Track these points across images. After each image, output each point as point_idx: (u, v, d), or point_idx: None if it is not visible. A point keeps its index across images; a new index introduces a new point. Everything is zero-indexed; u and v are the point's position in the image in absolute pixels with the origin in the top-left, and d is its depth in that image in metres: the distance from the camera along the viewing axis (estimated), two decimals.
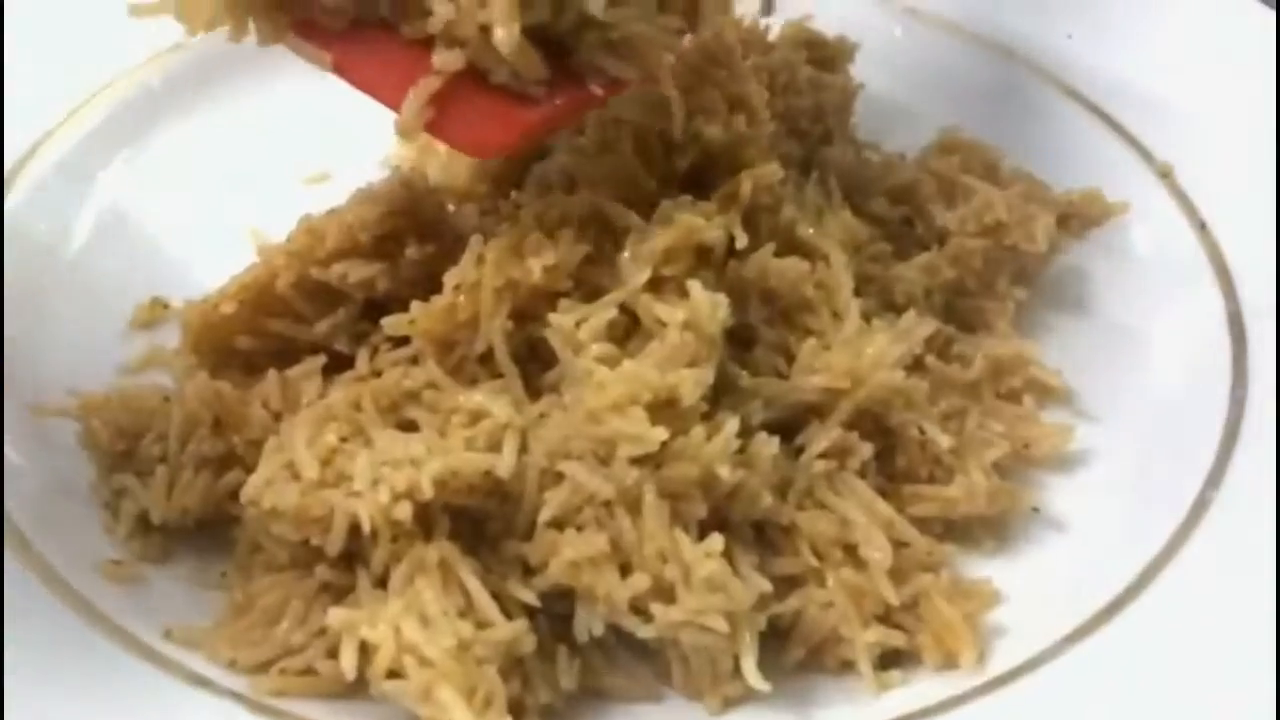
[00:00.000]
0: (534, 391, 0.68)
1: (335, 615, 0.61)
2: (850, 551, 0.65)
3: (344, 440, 0.64)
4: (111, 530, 0.69)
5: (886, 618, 0.65)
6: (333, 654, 0.62)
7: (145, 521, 0.69)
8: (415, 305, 0.70)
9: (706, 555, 0.61)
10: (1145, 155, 0.87)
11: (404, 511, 0.61)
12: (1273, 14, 0.92)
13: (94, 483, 0.71)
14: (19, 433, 0.73)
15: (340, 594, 0.64)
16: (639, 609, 0.61)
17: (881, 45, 0.90)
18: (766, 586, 0.63)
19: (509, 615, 0.62)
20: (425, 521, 0.62)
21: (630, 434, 0.62)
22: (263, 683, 0.63)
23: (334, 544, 0.63)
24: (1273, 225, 0.80)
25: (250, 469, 0.68)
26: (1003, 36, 0.96)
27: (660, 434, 0.62)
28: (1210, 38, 0.92)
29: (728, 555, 0.63)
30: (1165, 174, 0.86)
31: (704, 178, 0.72)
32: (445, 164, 0.85)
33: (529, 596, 0.62)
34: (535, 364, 0.69)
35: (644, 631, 0.61)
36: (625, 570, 0.62)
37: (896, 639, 0.64)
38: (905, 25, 0.97)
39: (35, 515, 0.69)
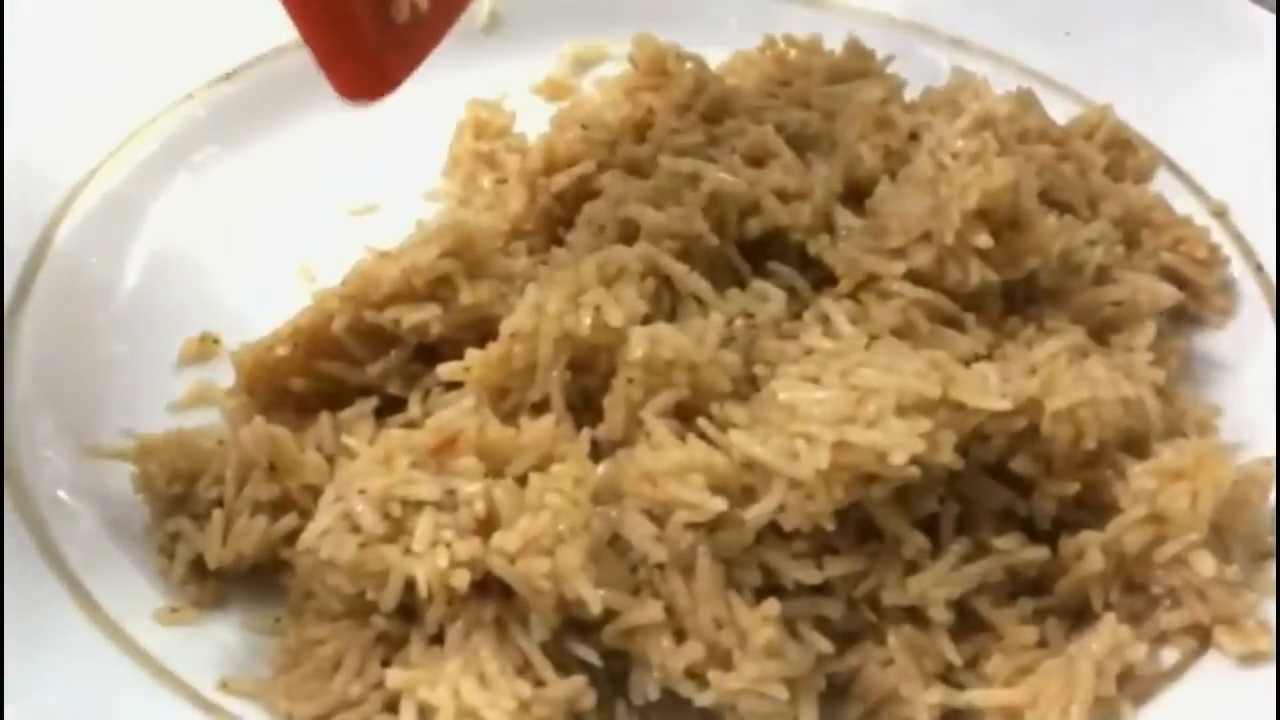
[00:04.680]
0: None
1: (394, 676, 0.61)
2: (911, 608, 0.65)
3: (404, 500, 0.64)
4: (166, 574, 0.70)
5: (947, 676, 0.65)
6: (390, 707, 0.63)
7: (200, 566, 0.69)
8: (470, 352, 0.70)
9: (763, 621, 0.61)
10: (1200, 194, 0.86)
11: (461, 580, 0.61)
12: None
13: (148, 526, 0.71)
14: (73, 474, 0.73)
15: (396, 645, 0.65)
16: (695, 675, 0.61)
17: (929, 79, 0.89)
18: (827, 648, 0.63)
19: (567, 670, 0.62)
20: (480, 581, 0.62)
21: (688, 501, 0.62)
22: None
23: (388, 600, 0.63)
24: None
25: (304, 513, 0.68)
26: (1048, 67, 0.95)
27: (719, 504, 0.62)
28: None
29: (785, 615, 0.62)
30: (1220, 213, 0.85)
31: (768, 248, 0.72)
32: (491, 201, 0.85)
33: (590, 655, 0.62)
34: (589, 412, 0.69)
35: (701, 699, 0.61)
36: (680, 636, 0.62)
37: (958, 699, 0.64)
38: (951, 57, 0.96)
39: (90, 559, 0.69)
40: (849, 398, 0.62)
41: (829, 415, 0.62)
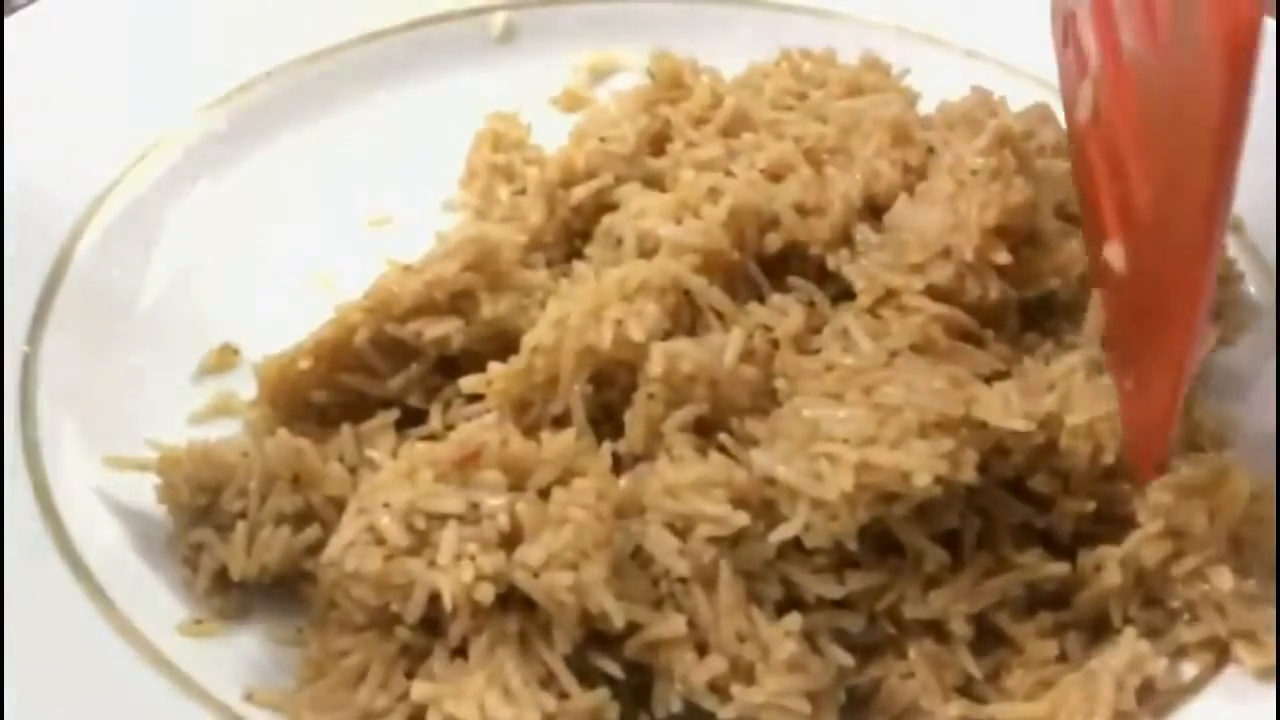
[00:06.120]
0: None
1: (419, 689, 0.62)
2: (931, 622, 0.65)
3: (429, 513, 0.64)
4: (190, 585, 0.70)
5: (968, 690, 0.65)
6: None
7: (224, 577, 0.69)
8: (492, 365, 0.71)
9: (785, 634, 0.62)
10: None
11: (486, 593, 0.61)
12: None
13: (172, 537, 0.72)
14: (96, 485, 0.73)
15: (419, 657, 0.65)
16: (718, 688, 0.62)
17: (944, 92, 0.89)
18: (848, 661, 0.63)
19: (591, 683, 0.63)
20: (503, 594, 0.63)
21: (711, 515, 0.62)
22: None
23: (413, 613, 0.63)
24: None
25: (327, 525, 0.69)
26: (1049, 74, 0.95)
27: (742, 519, 0.62)
28: None
29: (806, 628, 0.63)
30: (1235, 227, 0.85)
31: (787, 263, 0.73)
32: (508, 212, 0.86)
33: (613, 668, 0.63)
34: (610, 426, 0.70)
35: (724, 713, 0.62)
36: (703, 649, 0.62)
37: (979, 712, 0.64)
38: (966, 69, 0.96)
39: (114, 570, 0.69)
40: (872, 417, 0.63)
41: (852, 435, 0.62)
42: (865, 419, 0.63)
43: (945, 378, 0.64)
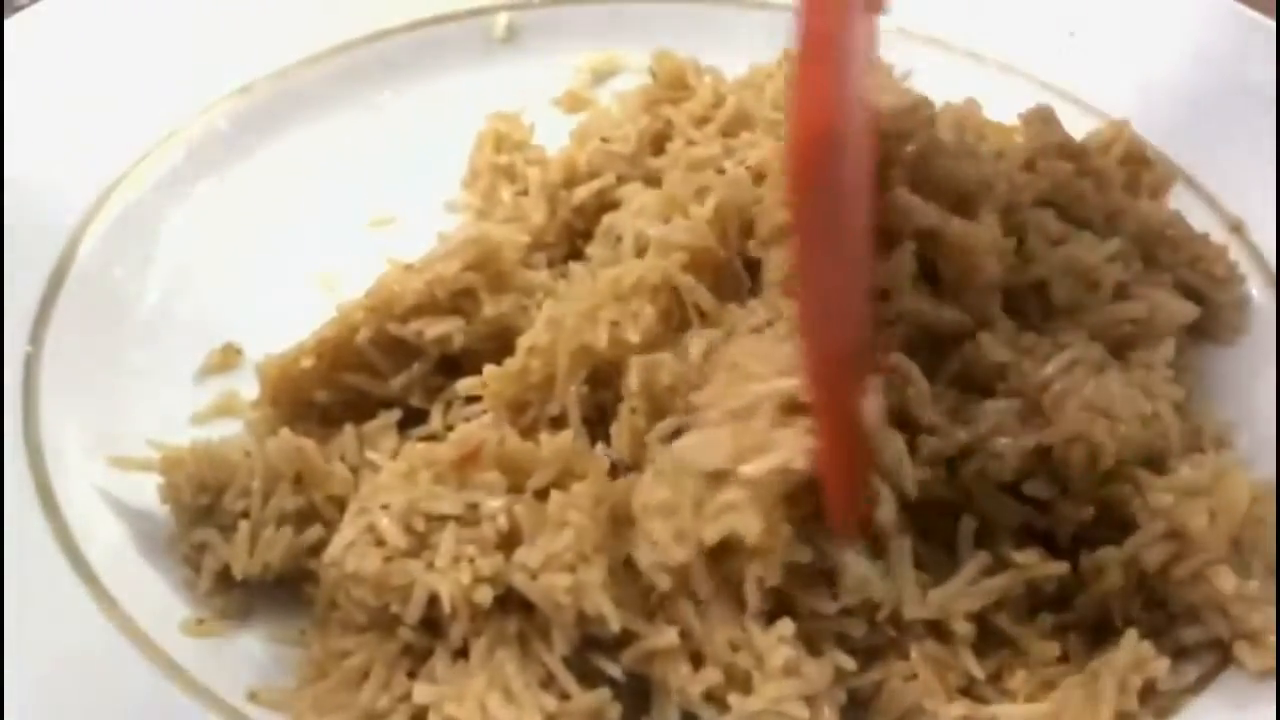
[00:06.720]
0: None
1: (421, 692, 0.62)
2: (932, 624, 0.65)
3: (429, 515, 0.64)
4: (193, 585, 0.70)
5: (970, 690, 0.65)
6: None
7: (226, 577, 0.69)
8: (488, 368, 0.71)
9: (779, 641, 0.61)
10: (1216, 208, 0.87)
11: (484, 596, 0.62)
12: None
13: (175, 537, 0.72)
14: (99, 485, 0.73)
15: (421, 657, 0.65)
16: (715, 699, 0.61)
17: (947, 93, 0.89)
18: (849, 664, 0.63)
19: (592, 684, 0.63)
20: (503, 596, 0.63)
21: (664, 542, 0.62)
22: None
23: (412, 614, 0.64)
24: None
25: (329, 524, 0.69)
26: (1063, 80, 0.96)
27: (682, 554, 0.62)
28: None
29: (807, 632, 0.63)
30: (1236, 228, 0.85)
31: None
32: (510, 212, 0.86)
33: (614, 671, 0.63)
34: (605, 426, 0.70)
35: None
36: (697, 660, 0.62)
37: (981, 713, 0.64)
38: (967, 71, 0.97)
39: (117, 570, 0.70)
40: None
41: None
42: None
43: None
